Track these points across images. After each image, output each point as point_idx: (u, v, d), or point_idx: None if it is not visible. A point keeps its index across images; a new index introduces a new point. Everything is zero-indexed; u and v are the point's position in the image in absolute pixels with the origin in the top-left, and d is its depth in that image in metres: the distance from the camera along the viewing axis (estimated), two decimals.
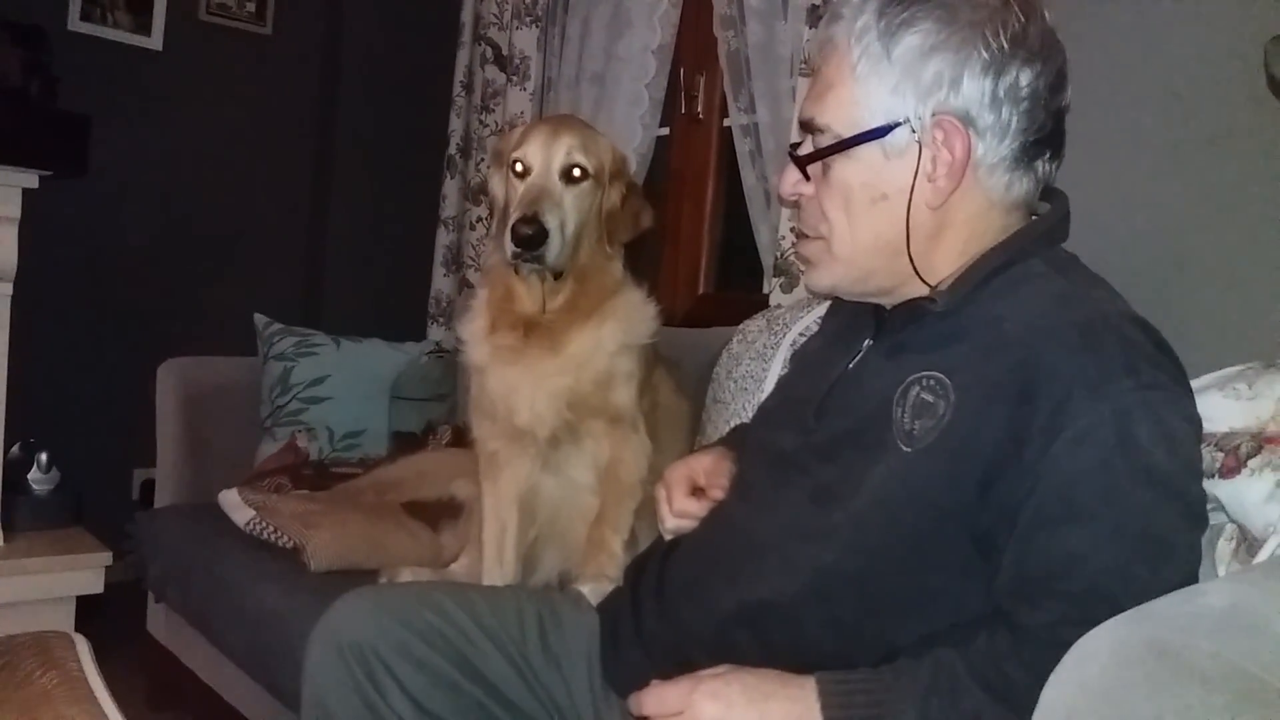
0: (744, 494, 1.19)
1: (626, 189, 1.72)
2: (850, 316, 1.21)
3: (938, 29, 0.98)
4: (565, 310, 1.66)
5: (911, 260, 1.04)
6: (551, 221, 1.57)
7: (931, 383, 0.99)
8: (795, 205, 1.14)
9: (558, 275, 1.63)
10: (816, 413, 1.12)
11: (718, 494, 1.24)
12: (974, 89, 0.99)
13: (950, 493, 0.96)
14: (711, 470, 1.27)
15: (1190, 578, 0.91)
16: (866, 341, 1.14)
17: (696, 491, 1.27)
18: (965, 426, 0.95)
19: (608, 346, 1.68)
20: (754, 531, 1.11)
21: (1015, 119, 1.00)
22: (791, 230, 2.19)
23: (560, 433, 1.67)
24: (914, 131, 1.01)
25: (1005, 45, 0.98)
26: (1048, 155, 1.04)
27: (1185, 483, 0.93)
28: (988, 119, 0.99)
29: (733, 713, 0.99)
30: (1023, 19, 0.99)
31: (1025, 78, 0.99)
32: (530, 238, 1.54)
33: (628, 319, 1.71)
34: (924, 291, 1.06)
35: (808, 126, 1.08)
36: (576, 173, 1.62)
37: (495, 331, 1.69)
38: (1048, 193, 1.10)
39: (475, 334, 1.73)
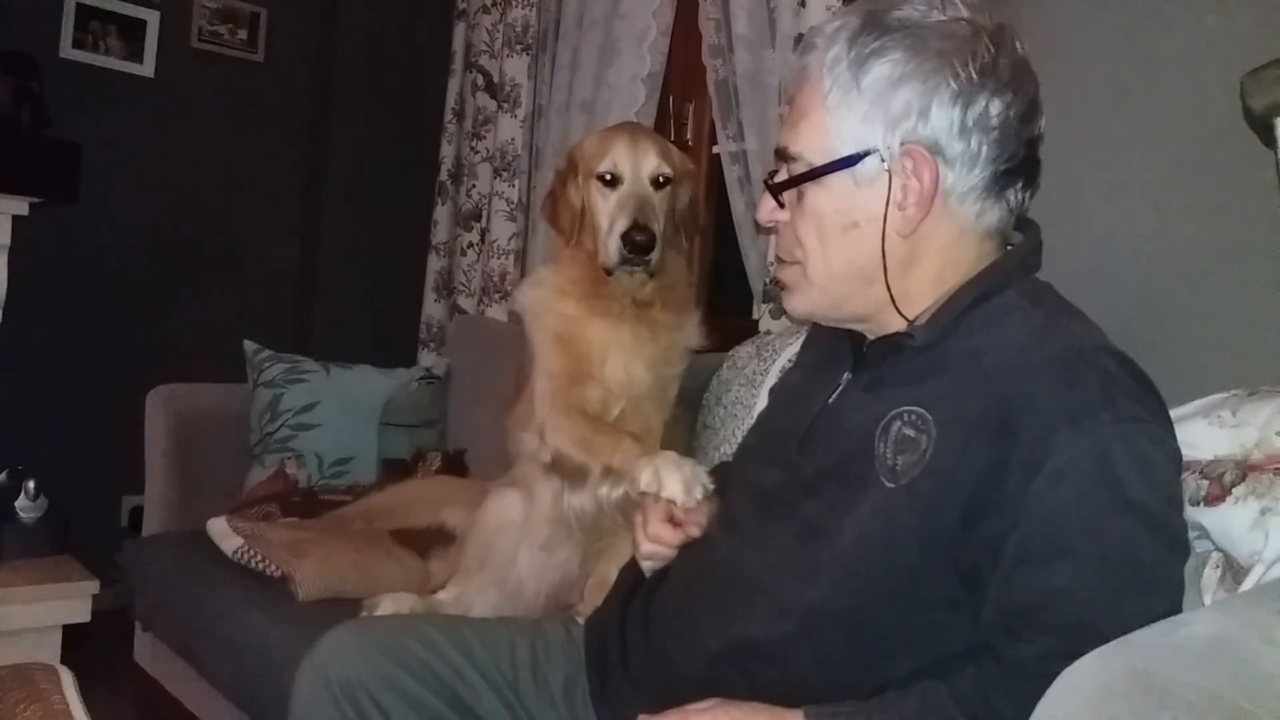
0: (731, 531, 1.18)
1: (692, 187, 1.80)
2: (828, 349, 1.21)
3: (906, 59, 0.99)
4: (660, 305, 1.73)
5: (889, 288, 1.04)
6: (656, 228, 1.66)
7: (913, 417, 0.99)
8: (774, 231, 1.15)
9: (652, 274, 1.70)
10: (799, 448, 1.12)
11: (694, 531, 1.24)
12: (942, 118, 0.99)
13: (934, 528, 0.96)
14: (692, 509, 1.28)
15: (1174, 607, 0.91)
16: (846, 374, 1.14)
17: (673, 522, 1.27)
18: (947, 462, 0.95)
19: (685, 344, 1.76)
20: (742, 569, 1.11)
21: (985, 148, 1.00)
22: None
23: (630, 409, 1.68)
24: (883, 160, 1.02)
25: (974, 75, 0.99)
26: (1020, 184, 1.05)
27: (1166, 514, 0.93)
28: (957, 148, 1.00)
29: None
30: (993, 49, 1.00)
31: (995, 107, 1.00)
32: (643, 244, 1.63)
33: (696, 323, 1.80)
34: (900, 320, 1.06)
35: (782, 155, 1.09)
36: (662, 179, 1.71)
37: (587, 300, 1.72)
38: (1020, 223, 1.10)
39: (559, 294, 1.74)
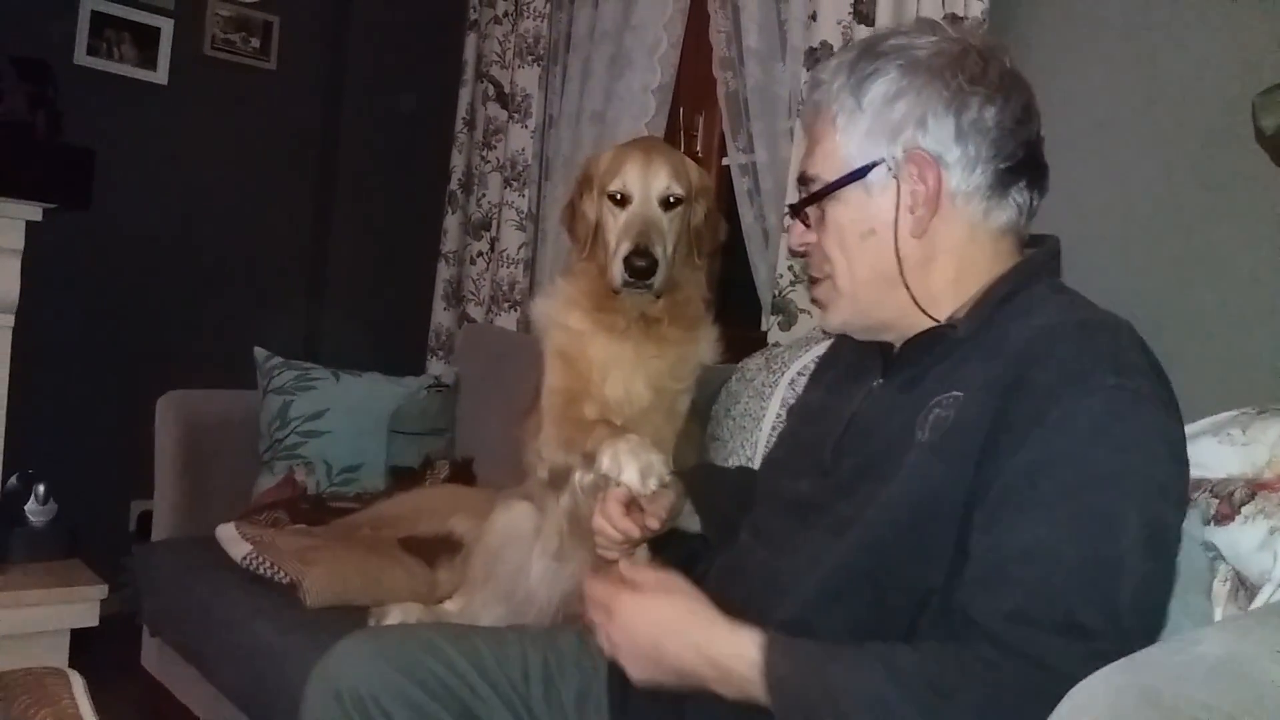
0: (763, 540, 1.21)
1: (708, 204, 1.79)
2: (851, 365, 1.25)
3: (900, 76, 1.07)
4: (669, 322, 1.72)
5: (909, 288, 1.09)
6: (659, 251, 1.65)
7: (948, 400, 1.03)
8: (805, 255, 1.21)
9: (657, 296, 1.69)
10: (834, 453, 1.15)
11: (653, 523, 1.30)
12: (938, 126, 1.06)
13: (951, 486, 0.98)
14: (653, 497, 1.33)
15: (1145, 594, 0.91)
16: (875, 382, 1.17)
17: (632, 507, 1.32)
18: (966, 421, 0.99)
19: (696, 360, 1.76)
20: (776, 572, 1.13)
21: (983, 150, 1.06)
22: (789, 269, 2.21)
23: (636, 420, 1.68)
24: (890, 169, 1.08)
25: (964, 85, 1.06)
26: (1024, 183, 1.10)
27: (1155, 493, 0.93)
28: (955, 152, 1.07)
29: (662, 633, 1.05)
30: (982, 61, 1.07)
31: (989, 112, 1.06)
32: (643, 269, 1.63)
33: (710, 339, 1.79)
34: (927, 321, 1.09)
35: (803, 180, 1.17)
36: (672, 199, 1.70)
37: (594, 314, 1.72)
38: (1038, 239, 1.15)
39: (569, 306, 1.75)
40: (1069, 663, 0.83)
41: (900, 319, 1.12)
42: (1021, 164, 1.08)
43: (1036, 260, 1.11)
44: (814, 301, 1.23)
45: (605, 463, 1.38)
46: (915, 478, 1.02)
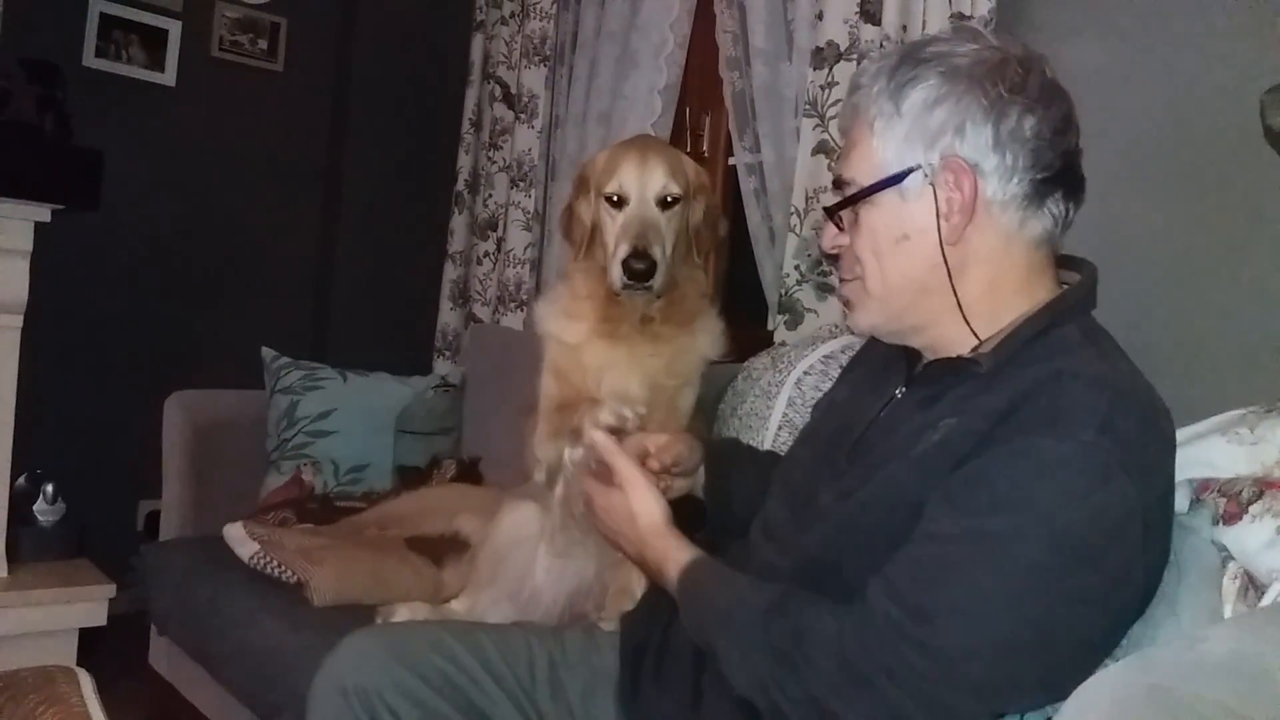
0: (770, 534, 1.23)
1: (707, 201, 1.78)
2: (879, 367, 1.26)
3: (940, 83, 1.06)
4: (662, 319, 1.72)
5: (954, 291, 1.08)
6: (658, 252, 1.64)
7: (952, 422, 1.03)
8: (836, 257, 1.21)
9: (658, 296, 1.69)
10: (849, 457, 1.16)
11: (654, 465, 1.36)
12: (976, 134, 1.05)
13: (920, 497, 1.00)
14: (663, 447, 1.38)
15: (1004, 655, 0.91)
16: (899, 389, 1.17)
17: (644, 458, 1.35)
18: (951, 442, 1.00)
19: (695, 354, 1.75)
20: (777, 569, 1.14)
21: (1020, 159, 1.05)
22: (795, 268, 2.21)
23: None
24: (926, 175, 1.07)
25: (1004, 93, 1.04)
26: (1060, 194, 1.09)
27: (1061, 555, 0.91)
28: (992, 161, 1.05)
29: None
30: (1022, 71, 1.06)
31: (1028, 122, 1.05)
32: (641, 272, 1.62)
33: (711, 333, 1.78)
34: (963, 327, 1.09)
35: (838, 183, 1.16)
36: (670, 199, 1.69)
37: (592, 322, 1.73)
38: (1076, 262, 1.15)
39: (565, 316, 1.76)
40: (891, 627, 0.93)
41: (931, 324, 1.12)
42: (1058, 175, 1.07)
43: (1070, 298, 1.10)
44: (842, 300, 1.24)
45: (587, 428, 1.41)
46: (889, 482, 1.03)
